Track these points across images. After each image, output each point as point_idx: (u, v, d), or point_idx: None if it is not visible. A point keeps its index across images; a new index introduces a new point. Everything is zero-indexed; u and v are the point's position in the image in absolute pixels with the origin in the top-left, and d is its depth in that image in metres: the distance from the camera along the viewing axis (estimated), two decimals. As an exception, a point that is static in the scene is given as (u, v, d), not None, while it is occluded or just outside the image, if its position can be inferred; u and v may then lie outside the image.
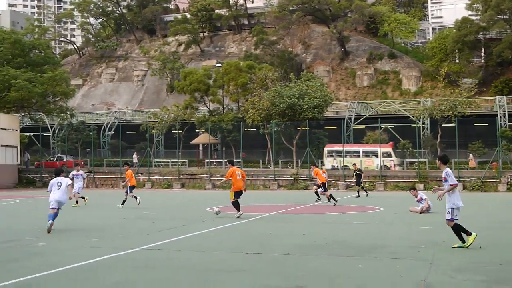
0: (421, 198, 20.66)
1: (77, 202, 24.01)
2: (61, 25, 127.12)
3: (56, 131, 61.69)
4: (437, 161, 12.18)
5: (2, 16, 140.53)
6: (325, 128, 53.48)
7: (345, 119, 53.87)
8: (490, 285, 8.08)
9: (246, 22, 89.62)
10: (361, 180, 31.69)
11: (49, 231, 14.14)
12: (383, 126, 48.86)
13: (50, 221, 14.37)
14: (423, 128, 50.70)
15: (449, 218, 11.40)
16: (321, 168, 28.45)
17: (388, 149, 45.46)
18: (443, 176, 11.55)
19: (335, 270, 9.16)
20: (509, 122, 49.86)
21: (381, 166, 43.14)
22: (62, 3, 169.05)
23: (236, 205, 18.11)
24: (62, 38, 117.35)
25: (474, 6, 67.05)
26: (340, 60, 76.10)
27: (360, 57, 75.18)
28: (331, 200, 24.13)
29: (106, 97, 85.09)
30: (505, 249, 11.54)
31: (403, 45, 77.24)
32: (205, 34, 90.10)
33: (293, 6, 76.81)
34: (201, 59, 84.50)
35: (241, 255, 10.67)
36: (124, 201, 23.20)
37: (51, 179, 15.68)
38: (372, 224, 16.66)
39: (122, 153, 53.80)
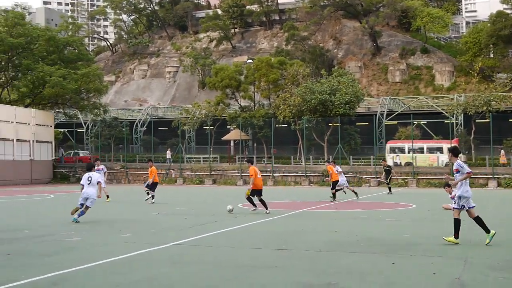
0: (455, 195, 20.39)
1: (108, 196, 24.30)
2: (94, 22, 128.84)
3: (90, 127, 62.51)
4: (448, 153, 12.18)
5: (37, 14, 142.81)
6: (357, 124, 53.18)
7: (377, 115, 53.46)
8: (526, 284, 7.96)
9: (277, 17, 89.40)
10: (390, 177, 31.37)
11: (74, 220, 15.53)
12: (415, 122, 48.32)
13: (78, 214, 15.77)
14: (457, 124, 50.04)
15: (455, 207, 11.56)
16: (337, 165, 27.96)
17: (454, 145, 44.36)
18: (454, 168, 11.61)
19: (367, 267, 9.12)
20: (544, 117, 48.94)
21: (447, 163, 42.11)
22: (95, 0, 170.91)
23: (251, 200, 18.69)
24: (95, 35, 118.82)
25: (509, -1, 65.83)
26: (372, 56, 75.46)
27: (392, 52, 74.44)
28: (333, 198, 24.55)
29: (139, 93, 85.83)
30: (541, 248, 11.34)
31: (436, 39, 76.22)
32: (236, 30, 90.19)
33: (325, 1, 76.41)
34: (232, 55, 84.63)
35: (273, 252, 10.68)
36: (152, 196, 23.52)
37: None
38: (404, 221, 16.53)
39: (154, 149, 54.27)
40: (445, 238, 11.56)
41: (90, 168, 17.11)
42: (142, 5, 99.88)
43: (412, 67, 71.62)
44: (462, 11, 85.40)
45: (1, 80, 52.77)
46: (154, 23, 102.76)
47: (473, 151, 47.07)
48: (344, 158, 45.18)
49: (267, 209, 18.42)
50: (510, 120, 50.03)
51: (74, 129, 56.72)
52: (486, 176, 39.85)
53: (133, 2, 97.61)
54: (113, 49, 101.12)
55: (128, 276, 8.44)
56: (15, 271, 8.73)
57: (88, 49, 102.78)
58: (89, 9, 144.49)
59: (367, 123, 54.17)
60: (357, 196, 26.03)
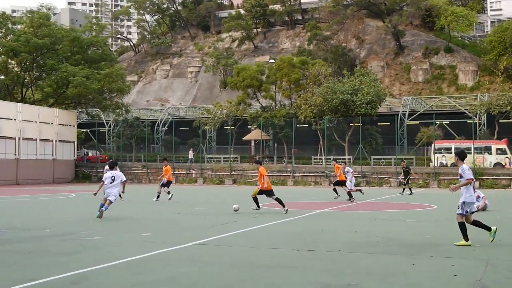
0: (478, 196, 20.15)
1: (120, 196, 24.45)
2: (118, 22, 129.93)
3: (112, 127, 63.00)
4: (454, 157, 12.14)
5: (62, 14, 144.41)
6: (378, 124, 52.86)
7: (399, 115, 53.11)
8: (549, 287, 7.84)
9: (299, 17, 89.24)
10: (408, 178, 31.05)
11: (99, 216, 16.25)
12: (438, 122, 47.93)
13: (102, 208, 16.49)
14: (480, 124, 49.52)
15: (459, 212, 11.41)
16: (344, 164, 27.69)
17: (502, 145, 43.62)
18: (458, 172, 11.57)
19: (387, 268, 9.05)
20: None
21: (495, 164, 41.47)
22: (119, 1, 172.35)
23: (256, 202, 18.93)
24: (119, 35, 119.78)
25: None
26: (394, 55, 74.97)
27: (415, 51, 73.87)
28: (335, 195, 24.96)
29: (161, 93, 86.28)
30: None
31: (460, 39, 75.44)
32: (259, 30, 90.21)
33: (348, 0, 76.12)
34: (254, 55, 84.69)
35: (293, 252, 10.66)
36: (169, 194, 23.86)
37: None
38: (425, 222, 16.38)
39: (175, 149, 54.51)
40: (456, 244, 11.42)
41: (112, 166, 17.61)
42: (165, 5, 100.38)
43: (435, 66, 70.99)
44: (487, 10, 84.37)
45: (26, 80, 53.42)
46: (177, 23, 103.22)
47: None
48: (365, 158, 44.96)
49: (284, 206, 18.51)
50: (534, 120, 49.40)
51: (96, 128, 57.20)
52: (509, 177, 39.38)
53: (157, 2, 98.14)
54: (136, 49, 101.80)
55: (148, 275, 8.48)
56: (37, 269, 8.82)
57: (111, 49, 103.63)
58: (113, 9, 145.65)
59: (388, 123, 53.84)
60: (350, 199, 25.62)
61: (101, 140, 61.54)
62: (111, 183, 16.77)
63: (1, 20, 52.21)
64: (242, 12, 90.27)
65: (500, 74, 52.37)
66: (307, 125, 51.42)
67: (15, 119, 45.34)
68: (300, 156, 51.08)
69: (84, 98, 53.03)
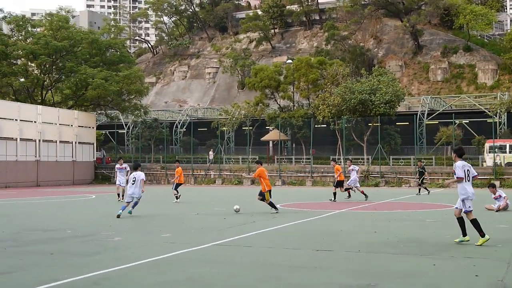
0: (500, 196, 20.00)
1: (119, 195, 24.84)
2: (136, 24, 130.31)
3: (131, 128, 63.35)
4: (452, 153, 12.30)
5: (81, 17, 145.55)
6: (397, 124, 52.58)
7: (418, 115, 52.75)
8: None
9: (317, 17, 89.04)
10: (423, 178, 30.82)
11: (117, 216, 17.06)
12: (457, 121, 47.53)
13: (120, 211, 17.27)
14: (500, 123, 49.03)
15: (466, 210, 11.49)
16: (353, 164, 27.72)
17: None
18: (453, 169, 11.85)
19: (407, 269, 9.02)
20: None
21: None
22: (137, 3, 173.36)
23: (273, 206, 18.98)
24: (137, 37, 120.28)
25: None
26: (413, 54, 74.51)
27: (434, 50, 73.36)
28: (333, 199, 24.71)
29: (179, 94, 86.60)
30: None
31: (479, 37, 74.78)
32: (276, 30, 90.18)
33: (365, 0, 75.78)
34: (272, 55, 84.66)
35: (312, 252, 10.65)
36: (176, 196, 24.16)
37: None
38: (445, 222, 16.25)
39: (193, 150, 54.67)
40: (477, 244, 11.35)
41: (136, 168, 18.33)
42: (183, 7, 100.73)
43: (454, 65, 70.45)
44: (506, 8, 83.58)
45: (45, 83, 53.89)
46: (195, 24, 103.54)
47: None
48: (383, 158, 44.74)
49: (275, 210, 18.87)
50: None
51: (115, 130, 57.51)
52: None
53: (174, 4, 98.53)
54: (154, 50, 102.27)
55: (168, 275, 8.53)
56: (58, 270, 8.92)
57: (129, 51, 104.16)
58: (131, 11, 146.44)
59: (407, 123, 53.52)
60: (348, 196, 25.60)
61: (120, 142, 61.90)
62: (132, 184, 17.59)
63: (21, 23, 52.74)
64: (260, 12, 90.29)
65: (520, 72, 51.81)
66: (325, 125, 51.28)
67: (35, 122, 45.78)
68: (318, 156, 50.94)
69: (103, 100, 53.37)
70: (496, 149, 41.95)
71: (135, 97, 55.66)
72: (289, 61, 56.37)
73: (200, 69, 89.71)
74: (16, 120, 44.03)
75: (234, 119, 56.31)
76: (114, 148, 59.03)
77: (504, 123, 49.36)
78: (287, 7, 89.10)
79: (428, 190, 30.88)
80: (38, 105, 48.49)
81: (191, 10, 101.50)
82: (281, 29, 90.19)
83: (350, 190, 26.34)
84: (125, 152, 62.10)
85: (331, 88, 48.95)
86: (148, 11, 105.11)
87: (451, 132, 45.15)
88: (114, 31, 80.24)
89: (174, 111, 71.22)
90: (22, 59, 53.22)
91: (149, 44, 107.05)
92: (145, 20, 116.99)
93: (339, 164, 26.42)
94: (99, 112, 58.39)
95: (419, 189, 31.16)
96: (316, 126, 50.54)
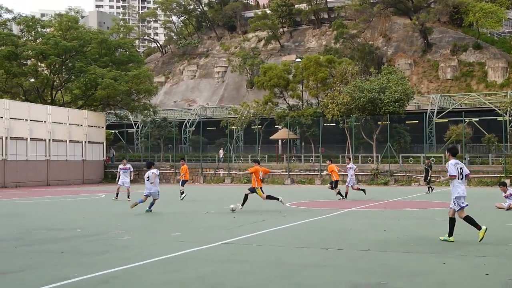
0: (510, 194, 19.89)
1: (118, 194, 25.46)
2: (145, 24, 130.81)
3: (140, 128, 63.49)
4: (446, 152, 12.47)
5: (90, 17, 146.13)
6: (406, 122, 52.42)
7: (427, 113, 52.55)
8: None
9: (326, 16, 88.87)
10: (429, 175, 30.69)
11: (131, 206, 18.52)
12: (467, 119, 47.30)
13: (137, 201, 18.44)
14: (510, 121, 48.77)
15: (457, 209, 11.77)
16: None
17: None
18: (446, 167, 12.04)
19: (417, 267, 8.98)
20: None
21: None
22: (146, 3, 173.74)
23: (272, 197, 19.43)
24: (146, 37, 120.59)
25: None
26: (422, 53, 74.24)
27: (443, 49, 73.05)
28: (338, 195, 24.80)
29: (188, 93, 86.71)
30: None
31: (489, 35, 74.37)
32: (285, 29, 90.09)
33: (374, -2, 75.68)
34: (280, 54, 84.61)
35: (321, 251, 10.63)
36: (182, 193, 24.42)
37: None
38: (456, 220, 16.15)
39: (202, 149, 54.72)
40: (479, 239, 11.42)
41: (149, 166, 19.29)
42: (191, 6, 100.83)
43: (464, 63, 70.14)
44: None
45: (55, 83, 54.13)
46: (203, 24, 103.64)
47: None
48: (393, 157, 44.63)
49: (242, 205, 19.26)
50: None
51: (124, 129, 57.67)
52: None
53: (183, 3, 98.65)
54: (163, 50, 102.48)
55: (178, 274, 8.54)
56: (68, 269, 8.94)
57: (138, 51, 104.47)
58: (140, 11, 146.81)
59: (417, 121, 53.32)
60: (343, 195, 25.33)
61: (130, 141, 62.06)
62: (147, 181, 18.69)
63: (30, 24, 53.00)
64: (268, 11, 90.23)
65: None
66: (334, 124, 51.19)
67: (45, 121, 46.01)
68: (327, 154, 50.72)
69: (112, 100, 53.54)
70: None
71: (144, 96, 55.80)
72: (298, 59, 56.33)
73: (209, 68, 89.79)
74: (26, 120, 44.27)
75: (243, 118, 56.31)
76: (124, 147, 59.14)
77: (514, 121, 49.10)
78: (296, 5, 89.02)
79: (429, 190, 30.65)
80: (48, 105, 48.73)
81: (199, 9, 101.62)
82: (290, 28, 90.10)
83: (355, 189, 26.16)
84: (134, 151, 62.29)
85: (340, 86, 48.85)
86: (156, 11, 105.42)
87: (461, 130, 44.98)
88: (123, 31, 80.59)
89: (183, 111, 71.30)
90: (32, 59, 53.50)
91: (158, 44, 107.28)
92: (154, 19, 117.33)
93: (333, 164, 26.27)
94: (108, 111, 58.57)
95: (428, 188, 31.01)
96: (325, 124, 50.47)
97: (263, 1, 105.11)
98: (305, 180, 45.14)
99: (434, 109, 53.36)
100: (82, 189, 38.62)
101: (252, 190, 19.48)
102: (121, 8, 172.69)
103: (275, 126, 56.41)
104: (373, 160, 46.53)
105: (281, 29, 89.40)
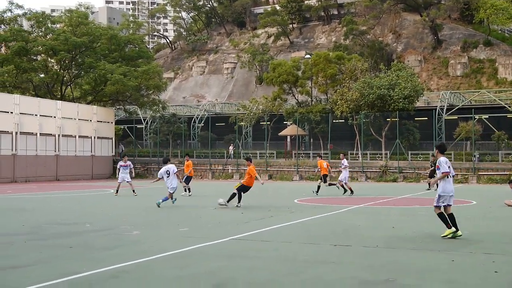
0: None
1: (118, 191, 25.49)
2: (154, 20, 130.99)
3: (149, 123, 63.63)
4: (434, 149, 12.61)
5: (100, 13, 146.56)
6: (416, 119, 52.25)
7: (437, 110, 52.35)
8: None
9: (335, 12, 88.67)
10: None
11: (158, 205, 18.72)
12: (476, 116, 47.10)
13: (160, 200, 18.80)
14: (520, 118, 48.56)
15: (435, 204, 11.85)
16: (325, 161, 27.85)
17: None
18: (436, 164, 11.95)
19: (425, 264, 8.97)
20: None
21: None
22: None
23: (233, 196, 19.08)
24: (155, 33, 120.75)
25: None
26: (432, 49, 73.91)
27: (453, 45, 72.70)
28: (330, 186, 25.49)
29: (197, 89, 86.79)
30: None
31: (500, 32, 73.92)
32: (295, 25, 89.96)
33: (384, -6, 75.39)
34: (290, 50, 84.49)
35: (330, 247, 10.65)
36: (188, 189, 24.95)
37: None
38: (464, 217, 16.12)
39: (211, 145, 54.77)
40: (443, 235, 11.71)
41: (166, 162, 19.95)
42: (201, 2, 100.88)
43: (474, 60, 69.78)
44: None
45: (65, 78, 54.29)
46: (213, 20, 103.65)
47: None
48: (402, 154, 44.52)
49: (226, 202, 19.12)
50: None
51: (133, 125, 57.81)
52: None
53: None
54: (173, 46, 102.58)
55: (186, 269, 8.58)
56: (78, 263, 9.00)
57: (148, 46, 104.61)
58: (150, 7, 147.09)
59: (426, 118, 53.14)
60: (352, 193, 25.31)
61: (139, 137, 62.20)
62: (167, 177, 19.13)
63: (41, 19, 53.16)
64: (278, 8, 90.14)
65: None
66: (343, 120, 51.11)
67: (55, 117, 46.18)
68: (336, 151, 50.72)
69: (121, 95, 53.66)
70: None
71: (154, 92, 55.88)
72: (307, 56, 56.20)
73: (218, 64, 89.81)
74: (36, 115, 44.45)
75: (252, 114, 56.32)
76: (133, 143, 59.31)
77: (524, 118, 48.88)
78: (306, 2, 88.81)
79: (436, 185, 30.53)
80: (58, 101, 48.89)
81: (209, 5, 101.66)
82: (300, 24, 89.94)
83: (339, 184, 26.15)
84: (143, 147, 62.47)
85: (349, 83, 48.77)
86: (166, 7, 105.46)
87: (471, 127, 44.78)
88: (133, 27, 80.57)
89: (192, 106, 71.39)
90: (42, 55, 53.66)
91: (167, 40, 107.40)
92: (163, 15, 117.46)
93: (322, 159, 26.59)
94: (117, 107, 58.71)
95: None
96: (334, 121, 50.42)
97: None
98: (313, 177, 45.10)
99: (444, 106, 53.15)
100: (91, 184, 38.78)
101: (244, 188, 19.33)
102: (131, 4, 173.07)
103: (284, 122, 56.40)
104: (382, 157, 46.43)
105: (291, 25, 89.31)
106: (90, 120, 49.86)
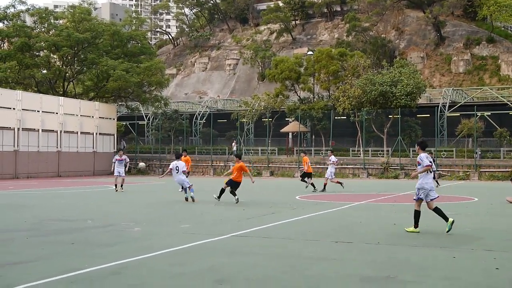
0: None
1: (121, 186, 25.75)
2: (157, 16, 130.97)
3: (151, 120, 63.66)
4: (416, 146, 12.96)
5: (103, 9, 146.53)
6: (418, 116, 52.18)
7: (439, 107, 52.30)
8: None
9: (338, 9, 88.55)
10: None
11: (186, 199, 19.63)
12: (479, 113, 47.04)
13: (186, 195, 19.68)
14: (523, 115, 48.50)
15: (415, 198, 12.26)
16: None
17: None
18: (417, 160, 12.35)
19: (427, 261, 8.97)
20: None
21: None
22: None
23: (222, 192, 19.34)
24: (158, 29, 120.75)
25: None
26: (435, 46, 73.79)
27: (456, 42, 72.58)
28: (306, 184, 25.80)
29: (199, 86, 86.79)
30: None
31: (503, 29, 73.76)
32: (297, 22, 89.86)
33: (387, -9, 75.26)
34: (292, 47, 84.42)
35: (331, 244, 10.65)
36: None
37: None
38: (466, 214, 16.15)
39: (213, 141, 54.79)
40: (406, 229, 12.19)
41: (178, 157, 20.25)
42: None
43: (477, 57, 69.66)
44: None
45: (67, 74, 54.33)
46: (216, 16, 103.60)
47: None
48: (404, 151, 44.48)
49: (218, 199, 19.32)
50: None
51: (135, 121, 57.82)
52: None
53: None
54: (175, 42, 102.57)
55: (188, 266, 8.58)
56: (79, 260, 9.01)
57: (150, 43, 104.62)
58: (152, 3, 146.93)
59: (428, 115, 53.08)
60: (342, 186, 25.96)
61: (140, 133, 62.22)
62: (177, 172, 19.35)
63: (44, 15, 53.18)
64: (281, 4, 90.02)
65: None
66: (345, 117, 51.06)
67: (57, 113, 46.19)
68: (338, 148, 50.70)
69: (124, 92, 53.70)
70: None
71: (156, 88, 55.88)
72: (310, 52, 56.19)
73: (221, 60, 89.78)
74: (38, 111, 44.46)
75: (254, 110, 56.30)
76: (135, 139, 59.36)
77: (527, 115, 48.81)
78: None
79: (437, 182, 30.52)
80: (60, 97, 48.91)
81: (212, 1, 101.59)
82: (302, 21, 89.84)
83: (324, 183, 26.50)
84: (145, 143, 62.53)
85: (351, 79, 48.72)
86: (169, 3, 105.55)
87: (473, 124, 44.74)
88: (136, 23, 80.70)
89: (194, 103, 71.41)
90: (45, 51, 53.66)
91: (170, 36, 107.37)
92: (166, 12, 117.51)
93: (307, 156, 27.10)
94: (119, 103, 58.74)
95: (436, 181, 30.89)
96: (336, 118, 50.38)
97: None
98: (315, 173, 44.96)
99: (446, 103, 53.09)
100: (93, 181, 38.82)
101: (233, 186, 19.39)
102: (134, 0, 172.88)
103: (286, 119, 56.37)
104: (383, 154, 46.40)
105: (293, 22, 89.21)
106: (92, 116, 49.86)
